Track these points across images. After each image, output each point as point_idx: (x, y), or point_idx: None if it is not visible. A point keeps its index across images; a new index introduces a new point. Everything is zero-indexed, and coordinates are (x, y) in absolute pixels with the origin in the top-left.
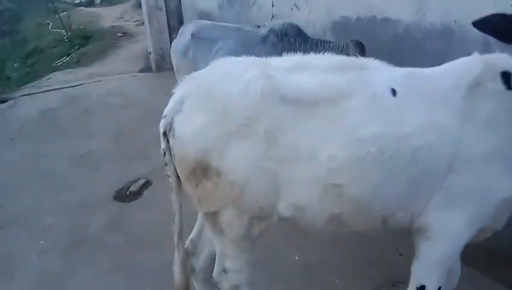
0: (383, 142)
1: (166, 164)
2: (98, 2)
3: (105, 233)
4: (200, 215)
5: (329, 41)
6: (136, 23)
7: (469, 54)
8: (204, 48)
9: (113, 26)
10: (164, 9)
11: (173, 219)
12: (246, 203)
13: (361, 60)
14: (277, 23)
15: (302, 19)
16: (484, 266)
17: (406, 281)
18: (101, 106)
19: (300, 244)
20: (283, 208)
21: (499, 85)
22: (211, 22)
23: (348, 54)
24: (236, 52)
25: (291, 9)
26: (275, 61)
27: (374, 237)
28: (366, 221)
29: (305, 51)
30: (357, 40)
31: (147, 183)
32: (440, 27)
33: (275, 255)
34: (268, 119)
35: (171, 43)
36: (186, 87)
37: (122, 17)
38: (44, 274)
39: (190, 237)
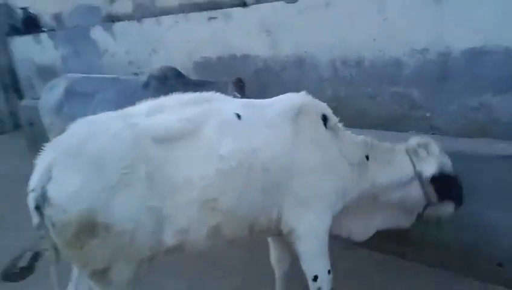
0: (240, 156)
1: (41, 238)
2: None
3: None
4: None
5: (210, 81)
6: None
7: (322, 79)
8: (81, 102)
9: None
10: None
11: None
12: (137, 248)
13: (205, 94)
14: (155, 69)
15: (162, 62)
16: None
17: None
18: None
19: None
20: (169, 237)
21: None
22: (83, 75)
23: (227, 92)
24: (118, 103)
25: (149, 54)
26: (132, 110)
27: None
28: (238, 229)
29: (187, 92)
30: (238, 77)
31: (36, 255)
32: (294, 58)
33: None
34: (146, 162)
35: (6, 102)
36: (49, 155)
37: None
38: None
39: None
